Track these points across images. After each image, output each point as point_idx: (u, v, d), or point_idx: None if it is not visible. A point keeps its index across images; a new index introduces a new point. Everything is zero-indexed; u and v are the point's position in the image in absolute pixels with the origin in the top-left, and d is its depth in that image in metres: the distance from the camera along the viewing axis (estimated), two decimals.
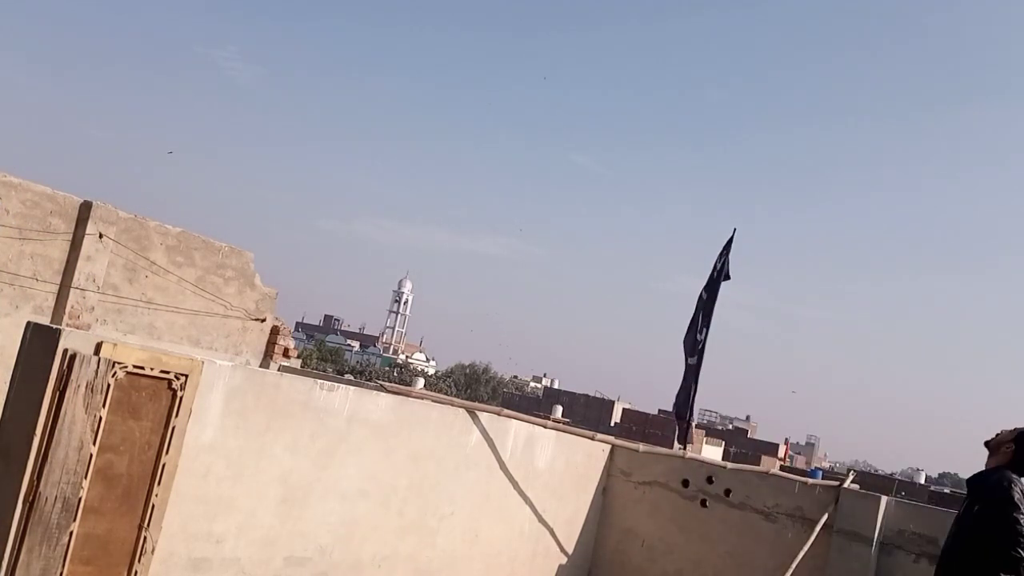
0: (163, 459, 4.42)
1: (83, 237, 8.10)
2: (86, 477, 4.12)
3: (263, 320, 10.10)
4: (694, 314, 10.67)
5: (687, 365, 10.61)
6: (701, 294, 10.72)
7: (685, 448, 9.50)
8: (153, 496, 4.41)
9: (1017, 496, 4.25)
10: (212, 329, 9.55)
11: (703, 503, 7.48)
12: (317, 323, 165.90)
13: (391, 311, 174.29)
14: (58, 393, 4.01)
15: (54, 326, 4.30)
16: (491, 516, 6.77)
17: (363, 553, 5.81)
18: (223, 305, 9.59)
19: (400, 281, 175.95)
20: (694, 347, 10.59)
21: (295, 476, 5.30)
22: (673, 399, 10.99)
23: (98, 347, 4.14)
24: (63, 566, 4.10)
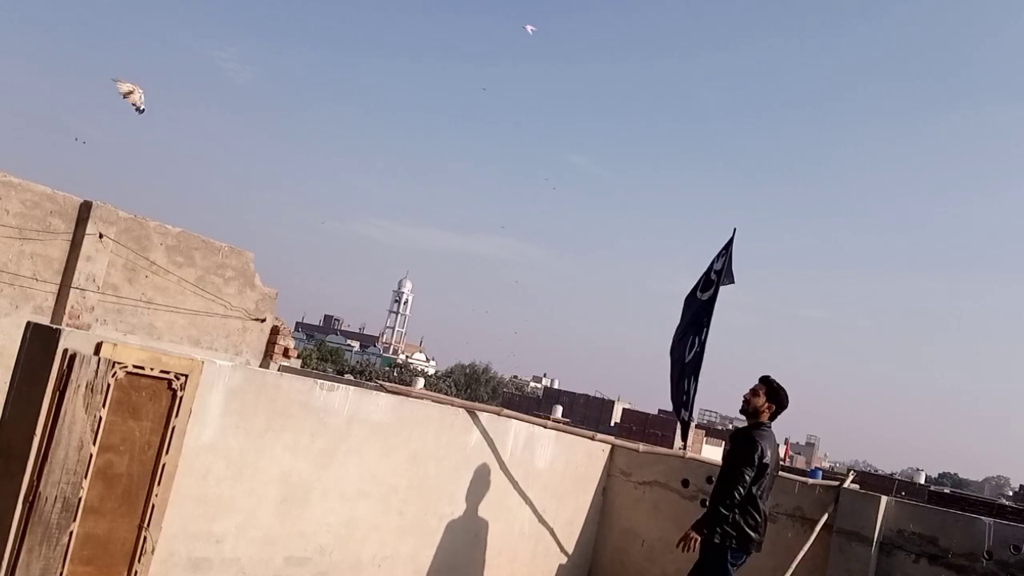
0: (163, 459, 4.42)
1: (83, 237, 8.09)
2: (86, 477, 4.12)
3: (263, 320, 10.10)
4: (686, 317, 10.52)
5: (682, 363, 10.49)
6: (695, 295, 10.55)
7: (685, 446, 9.48)
8: (153, 496, 4.40)
9: (756, 437, 5.70)
10: (212, 329, 9.55)
11: (703, 503, 7.47)
12: (317, 323, 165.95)
13: (391, 311, 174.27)
14: (58, 393, 4.01)
15: (54, 326, 4.29)
16: (491, 516, 6.77)
17: (363, 553, 5.81)
18: (223, 305, 9.59)
19: (400, 281, 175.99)
20: (688, 348, 10.49)
21: (295, 476, 5.30)
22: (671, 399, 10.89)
23: (98, 347, 4.14)
24: (63, 566, 4.09)
